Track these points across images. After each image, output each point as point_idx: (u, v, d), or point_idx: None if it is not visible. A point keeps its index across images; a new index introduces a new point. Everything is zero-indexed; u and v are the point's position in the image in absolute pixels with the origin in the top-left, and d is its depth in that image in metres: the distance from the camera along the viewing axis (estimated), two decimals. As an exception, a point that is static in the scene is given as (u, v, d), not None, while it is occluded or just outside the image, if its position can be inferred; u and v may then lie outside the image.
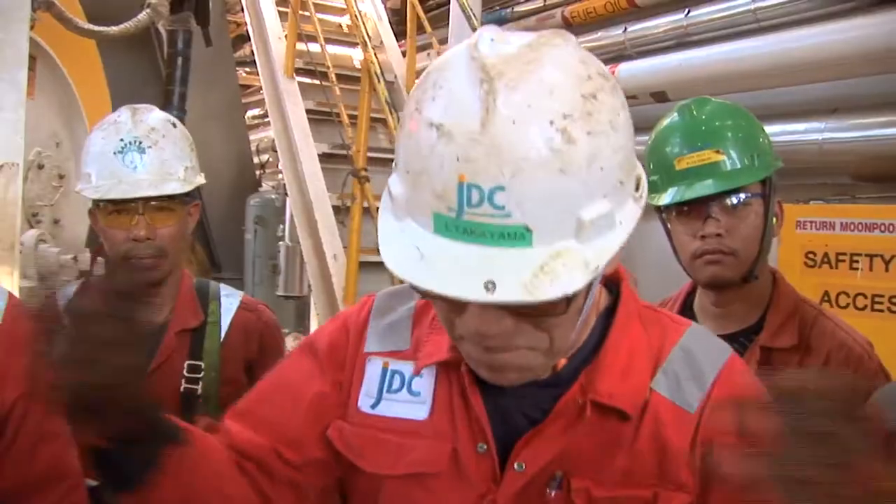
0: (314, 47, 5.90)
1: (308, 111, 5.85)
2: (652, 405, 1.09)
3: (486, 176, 0.88)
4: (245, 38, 8.45)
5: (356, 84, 5.78)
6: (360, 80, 5.51)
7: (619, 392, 1.09)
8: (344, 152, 5.54)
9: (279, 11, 6.40)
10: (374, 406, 1.18)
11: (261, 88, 7.53)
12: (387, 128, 5.31)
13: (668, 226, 1.89)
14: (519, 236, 0.90)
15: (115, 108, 5.14)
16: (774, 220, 1.86)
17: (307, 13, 5.91)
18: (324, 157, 5.70)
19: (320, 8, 6.45)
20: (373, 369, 1.20)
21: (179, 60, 5.12)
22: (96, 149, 2.01)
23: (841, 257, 3.82)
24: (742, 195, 1.79)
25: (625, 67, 5.28)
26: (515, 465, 1.09)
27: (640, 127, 3.57)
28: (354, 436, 1.18)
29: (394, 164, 1.00)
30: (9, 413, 1.51)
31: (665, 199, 1.83)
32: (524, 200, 0.89)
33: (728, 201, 1.79)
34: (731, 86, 4.62)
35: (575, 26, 5.88)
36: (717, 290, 1.88)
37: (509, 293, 0.89)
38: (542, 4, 6.28)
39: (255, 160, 8.76)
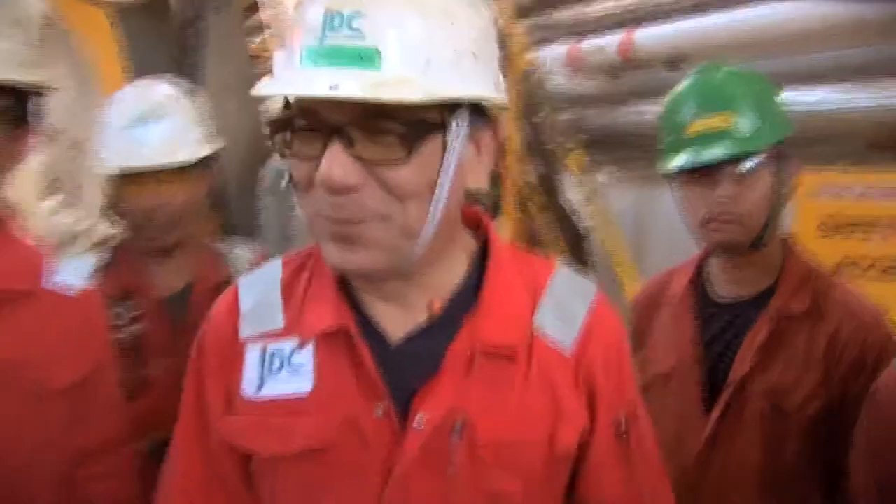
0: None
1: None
2: (536, 346, 1.17)
3: (348, 4, 1.01)
4: (256, 7, 8.43)
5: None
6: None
7: (504, 337, 1.14)
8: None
9: (292, -22, 6.38)
10: (257, 391, 1.18)
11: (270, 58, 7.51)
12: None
13: (678, 191, 1.90)
14: (370, 58, 1.00)
15: (129, 76, 5.19)
16: (787, 185, 1.86)
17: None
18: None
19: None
20: (252, 355, 1.20)
21: (192, 31, 5.12)
22: (108, 125, 2.10)
23: (857, 225, 3.81)
24: (751, 162, 1.79)
25: (641, 33, 5.22)
26: (415, 423, 1.11)
27: (658, 93, 3.56)
28: (242, 423, 1.18)
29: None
30: (86, 379, 1.57)
31: (676, 163, 1.84)
32: (377, 26, 1.01)
33: (737, 168, 1.79)
34: (750, 52, 4.59)
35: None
36: (727, 256, 1.89)
37: (350, 91, 0.98)
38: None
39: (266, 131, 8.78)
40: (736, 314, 1.91)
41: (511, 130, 5.17)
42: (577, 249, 5.67)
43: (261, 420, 1.17)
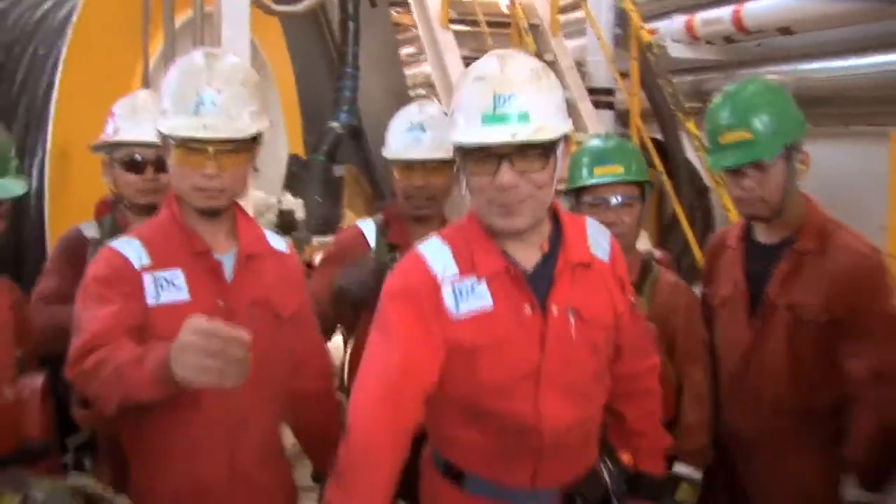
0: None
1: (464, 57, 6.41)
2: (593, 261, 2.02)
3: (506, 90, 1.84)
4: None
5: (504, 28, 6.38)
6: (507, 24, 6.07)
7: (583, 256, 2.00)
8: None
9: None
10: (457, 310, 1.90)
11: (412, 27, 8.18)
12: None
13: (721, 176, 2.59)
14: (524, 117, 1.82)
15: (296, 73, 5.82)
16: (800, 165, 2.48)
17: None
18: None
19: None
20: (447, 291, 1.92)
21: (351, 25, 5.81)
22: (395, 128, 2.96)
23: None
24: (768, 161, 2.41)
25: (750, 5, 5.66)
26: (553, 310, 1.94)
27: (767, 58, 4.20)
28: (456, 330, 1.90)
29: (451, 111, 1.93)
30: (298, 310, 2.37)
31: (713, 164, 2.54)
32: (524, 100, 1.83)
33: (758, 166, 2.42)
34: (849, 19, 5.03)
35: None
36: (756, 222, 2.58)
37: (525, 136, 1.81)
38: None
39: (411, 94, 9.46)
40: (772, 254, 2.56)
41: (633, 98, 5.69)
42: (698, 205, 6.18)
43: (468, 325, 1.90)
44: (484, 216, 1.92)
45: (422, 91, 10.16)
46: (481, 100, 1.84)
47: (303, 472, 2.52)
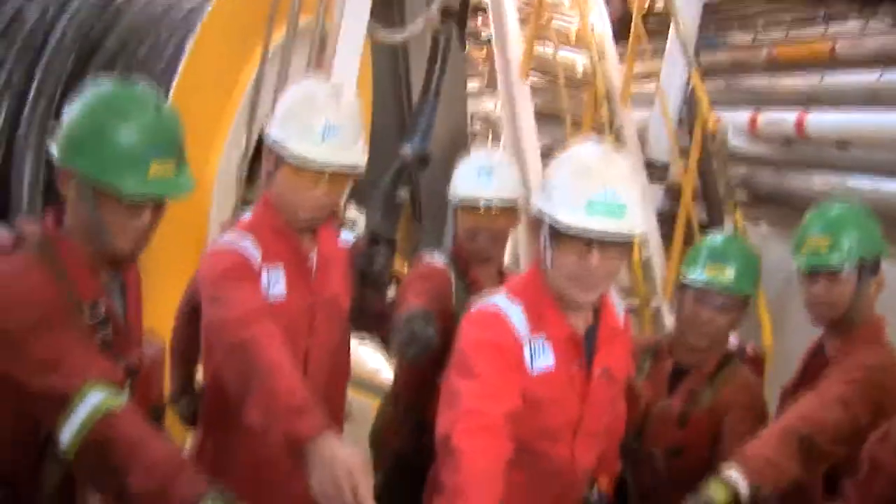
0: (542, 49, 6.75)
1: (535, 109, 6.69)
2: (619, 328, 2.43)
3: (611, 183, 2.16)
4: (474, 10, 9.33)
5: (578, 90, 6.69)
6: (580, 82, 6.38)
7: (615, 322, 2.42)
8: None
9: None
10: (532, 367, 2.24)
11: (482, 62, 8.47)
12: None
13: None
14: (623, 210, 2.14)
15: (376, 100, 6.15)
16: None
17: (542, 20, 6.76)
18: (544, 150, 6.48)
19: (554, 9, 7.25)
20: (526, 348, 2.25)
21: (440, 58, 6.11)
22: (462, 171, 3.27)
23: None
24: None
25: (814, 115, 5.96)
26: (596, 371, 2.33)
27: (823, 165, 4.55)
28: (530, 383, 2.24)
29: (547, 184, 2.25)
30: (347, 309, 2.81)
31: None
32: (624, 196, 2.16)
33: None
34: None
35: (779, 64, 6.58)
36: None
37: (625, 229, 2.14)
38: (751, 39, 6.94)
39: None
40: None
41: (688, 177, 5.97)
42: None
43: (537, 381, 2.25)
44: (560, 286, 2.23)
45: (479, 125, 10.46)
46: (587, 188, 2.14)
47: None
